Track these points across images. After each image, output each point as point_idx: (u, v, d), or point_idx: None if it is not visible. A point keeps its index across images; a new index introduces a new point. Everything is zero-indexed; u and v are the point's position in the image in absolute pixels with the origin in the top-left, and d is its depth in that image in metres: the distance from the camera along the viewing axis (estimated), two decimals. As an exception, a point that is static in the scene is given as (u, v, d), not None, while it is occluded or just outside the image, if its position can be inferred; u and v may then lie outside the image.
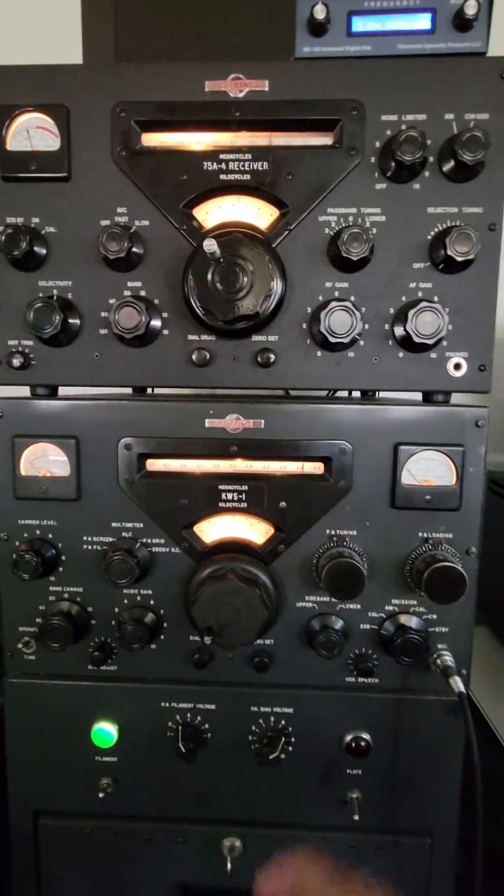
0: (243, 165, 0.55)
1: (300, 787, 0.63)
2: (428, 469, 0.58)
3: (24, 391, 0.61)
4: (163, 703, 0.62)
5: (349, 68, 0.54)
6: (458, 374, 0.56)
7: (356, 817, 0.61)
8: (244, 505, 0.59)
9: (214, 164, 0.55)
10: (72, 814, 0.66)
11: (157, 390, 0.81)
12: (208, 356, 0.57)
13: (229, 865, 0.63)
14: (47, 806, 0.66)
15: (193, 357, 0.57)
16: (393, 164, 0.53)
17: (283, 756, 0.60)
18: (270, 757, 0.59)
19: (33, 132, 0.56)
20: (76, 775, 0.64)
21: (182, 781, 0.63)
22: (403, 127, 0.52)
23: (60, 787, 0.65)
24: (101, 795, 0.63)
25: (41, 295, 0.57)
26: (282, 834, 0.64)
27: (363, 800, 0.62)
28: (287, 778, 0.62)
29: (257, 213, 0.56)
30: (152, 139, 0.56)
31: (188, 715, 0.63)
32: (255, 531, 0.60)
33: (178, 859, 0.66)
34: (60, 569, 0.61)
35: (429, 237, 0.55)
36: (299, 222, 0.55)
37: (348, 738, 0.61)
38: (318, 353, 0.57)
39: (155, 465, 0.60)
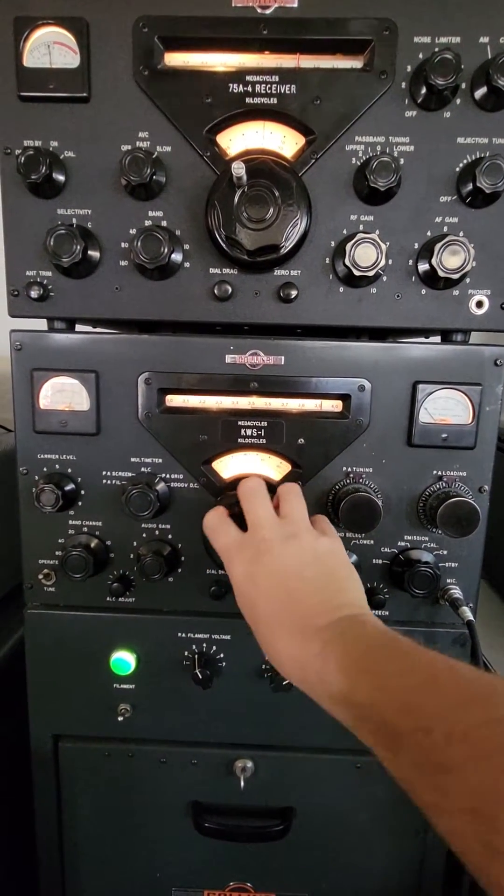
0: (270, 88, 0.53)
1: (311, 711, 0.65)
2: (445, 408, 0.59)
3: (41, 325, 0.61)
4: (179, 634, 0.65)
5: (382, -15, 0.52)
6: (480, 311, 0.56)
7: (363, 740, 0.64)
8: (263, 441, 0.60)
9: (240, 86, 0.53)
10: (91, 737, 0.69)
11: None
12: (230, 290, 0.57)
13: (242, 784, 0.66)
14: (67, 730, 0.69)
15: (215, 290, 0.57)
16: (424, 89, 0.51)
17: (295, 683, 0.63)
18: (284, 682, 0.62)
19: (51, 48, 0.53)
20: (95, 701, 0.66)
21: (197, 707, 0.66)
22: (436, 50, 0.50)
23: (80, 713, 0.67)
24: (119, 720, 0.66)
25: (60, 223, 0.55)
26: (293, 756, 0.68)
27: (370, 724, 0.65)
28: (299, 703, 0.65)
29: (282, 141, 0.55)
30: (176, 58, 0.54)
31: (204, 645, 0.65)
32: (272, 468, 0.61)
33: (191, 780, 0.69)
34: (80, 503, 0.62)
35: (457, 169, 0.54)
36: (326, 150, 0.54)
37: (358, 666, 0.64)
38: (341, 289, 0.57)
39: (174, 400, 0.61)
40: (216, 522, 0.53)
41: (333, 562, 0.49)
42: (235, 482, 0.61)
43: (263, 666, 0.65)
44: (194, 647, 0.65)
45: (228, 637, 0.64)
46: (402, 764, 0.33)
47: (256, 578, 0.47)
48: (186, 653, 0.65)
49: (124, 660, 0.65)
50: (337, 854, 0.71)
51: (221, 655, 0.65)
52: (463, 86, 0.52)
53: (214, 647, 0.65)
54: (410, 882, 0.71)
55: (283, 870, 0.72)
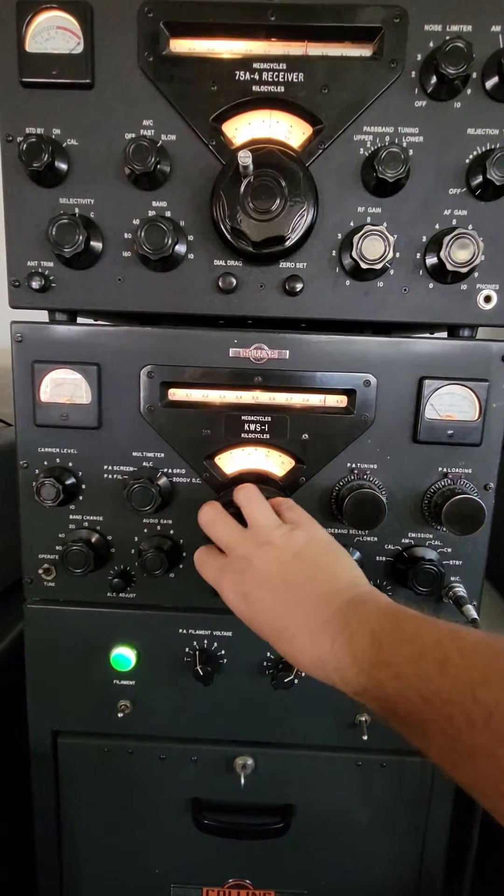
0: (277, 76, 0.52)
1: (313, 710, 0.65)
2: (451, 404, 0.58)
3: (42, 316, 0.60)
4: (180, 630, 0.64)
5: (393, -29, 0.50)
6: (489, 306, 0.56)
7: (365, 738, 0.64)
8: (266, 436, 0.59)
9: (247, 73, 0.52)
10: (90, 733, 0.68)
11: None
12: (234, 282, 0.56)
13: (242, 781, 0.66)
14: (66, 726, 0.68)
15: (219, 283, 0.56)
16: (434, 79, 0.50)
17: (297, 680, 0.62)
18: (286, 680, 0.61)
19: (54, 33, 0.52)
20: (95, 697, 0.66)
21: (197, 704, 0.66)
22: (447, 38, 0.49)
23: (79, 709, 0.67)
24: (119, 716, 0.65)
25: (62, 212, 0.54)
26: (293, 753, 0.67)
27: (372, 722, 0.65)
28: (300, 700, 0.65)
29: (289, 131, 0.54)
30: (182, 45, 0.53)
31: (205, 641, 0.64)
32: (275, 463, 0.60)
33: (191, 776, 0.69)
34: (80, 497, 0.61)
35: (467, 161, 0.53)
36: (334, 140, 0.53)
37: (360, 664, 0.63)
38: (347, 283, 0.56)
39: (177, 394, 0.60)
40: (202, 557, 0.53)
41: (314, 551, 0.48)
42: (237, 478, 0.60)
43: (265, 663, 0.64)
44: (195, 643, 0.64)
45: (230, 633, 0.64)
46: (433, 751, 0.34)
47: (248, 598, 0.47)
48: (187, 649, 0.64)
49: (124, 656, 0.64)
50: (337, 851, 0.70)
51: (222, 652, 0.64)
52: (474, 75, 0.51)
53: (215, 644, 0.64)
54: (410, 880, 0.70)
55: (282, 867, 0.71)
